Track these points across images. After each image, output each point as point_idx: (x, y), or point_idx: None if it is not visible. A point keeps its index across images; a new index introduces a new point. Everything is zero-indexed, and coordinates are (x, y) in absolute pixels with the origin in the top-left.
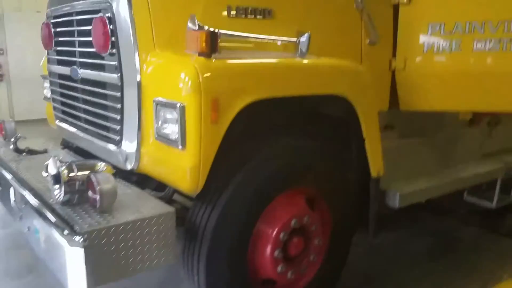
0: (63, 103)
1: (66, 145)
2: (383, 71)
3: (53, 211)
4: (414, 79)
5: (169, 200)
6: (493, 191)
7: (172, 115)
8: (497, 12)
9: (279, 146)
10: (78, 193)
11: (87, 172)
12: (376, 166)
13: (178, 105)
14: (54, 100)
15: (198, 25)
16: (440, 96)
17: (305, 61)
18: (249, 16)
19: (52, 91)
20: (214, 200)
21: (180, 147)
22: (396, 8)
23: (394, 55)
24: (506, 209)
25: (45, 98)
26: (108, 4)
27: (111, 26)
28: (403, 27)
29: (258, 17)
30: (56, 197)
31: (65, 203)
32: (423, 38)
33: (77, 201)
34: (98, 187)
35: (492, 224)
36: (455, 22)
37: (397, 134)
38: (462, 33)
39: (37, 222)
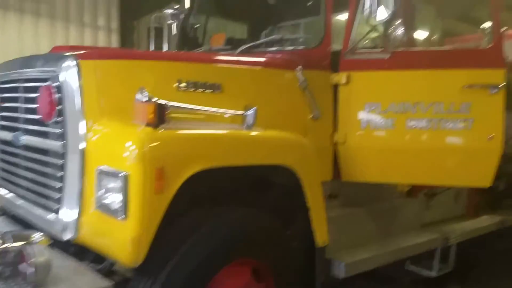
0: (3, 169)
1: (4, 212)
2: (326, 144)
3: None
4: (354, 152)
5: (108, 272)
6: (433, 260)
7: (115, 184)
8: (427, 96)
9: (225, 217)
10: (11, 266)
11: (21, 244)
12: (321, 235)
13: (121, 174)
14: None
15: (147, 96)
16: (377, 169)
17: (252, 132)
18: (199, 89)
19: None
20: (155, 273)
21: (121, 217)
22: (336, 87)
23: (336, 129)
24: (447, 277)
25: None
26: (56, 73)
27: (58, 95)
28: (343, 105)
29: (207, 91)
30: None
31: None
32: (360, 116)
33: (10, 274)
34: (32, 259)
35: None
36: (389, 103)
37: (341, 204)
38: (396, 113)
39: None
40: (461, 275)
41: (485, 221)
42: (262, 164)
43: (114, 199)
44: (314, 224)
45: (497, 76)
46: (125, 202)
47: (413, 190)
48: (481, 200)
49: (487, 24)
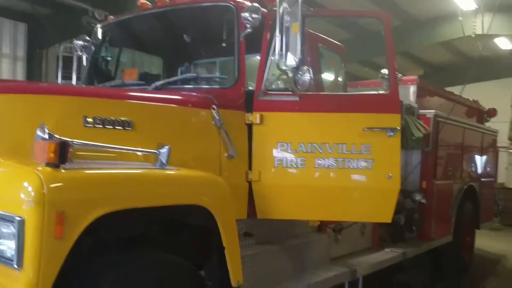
0: None
1: None
2: (241, 182)
3: None
4: (268, 190)
5: None
6: None
7: (9, 229)
8: (332, 137)
9: (134, 263)
10: None
11: None
12: (235, 275)
13: (16, 218)
14: None
15: (48, 134)
16: (290, 206)
17: (164, 171)
18: (107, 126)
19: None
20: None
21: (15, 266)
22: (250, 127)
23: (250, 168)
24: None
25: None
26: None
27: None
28: (256, 144)
29: (117, 127)
30: None
31: None
32: (273, 154)
33: None
34: None
35: None
36: (299, 143)
37: (256, 241)
38: (305, 152)
39: None
40: None
41: (388, 254)
42: (176, 204)
43: (8, 246)
44: (229, 264)
45: (394, 120)
46: (20, 249)
47: (323, 225)
48: (385, 233)
49: (385, 71)
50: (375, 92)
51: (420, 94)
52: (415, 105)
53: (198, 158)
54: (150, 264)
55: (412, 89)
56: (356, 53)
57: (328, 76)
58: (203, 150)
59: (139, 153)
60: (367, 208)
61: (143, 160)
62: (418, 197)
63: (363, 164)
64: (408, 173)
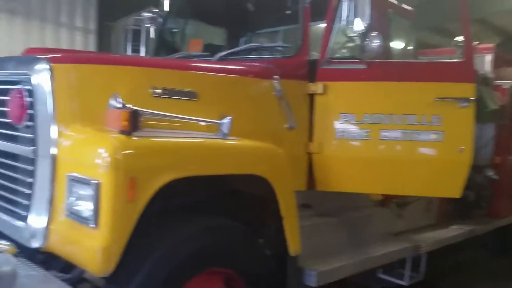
0: None
1: None
2: (301, 154)
3: None
4: (329, 162)
5: (77, 282)
6: (404, 269)
7: (86, 191)
8: (400, 107)
9: (197, 226)
10: None
11: None
12: (293, 244)
13: (93, 181)
14: None
15: (121, 103)
16: (351, 179)
17: (226, 142)
18: (174, 97)
19: None
20: (126, 282)
21: (92, 225)
22: (312, 97)
23: (311, 139)
24: (418, 286)
25: None
26: (28, 76)
27: (29, 98)
28: (318, 115)
29: (183, 98)
30: None
31: None
32: (335, 126)
33: None
34: None
35: None
36: (363, 113)
37: (314, 213)
38: (370, 123)
39: None
40: (432, 284)
41: (455, 231)
42: (236, 173)
43: (85, 207)
44: (287, 233)
45: (468, 90)
46: (96, 210)
47: (386, 200)
48: (452, 210)
49: (460, 38)
50: (448, 60)
51: (497, 63)
52: (491, 75)
53: (259, 128)
54: (211, 228)
55: (488, 58)
56: (428, 19)
57: (397, 44)
58: (263, 120)
59: (202, 123)
60: (435, 183)
61: (206, 130)
62: (490, 173)
63: (433, 136)
64: (480, 147)
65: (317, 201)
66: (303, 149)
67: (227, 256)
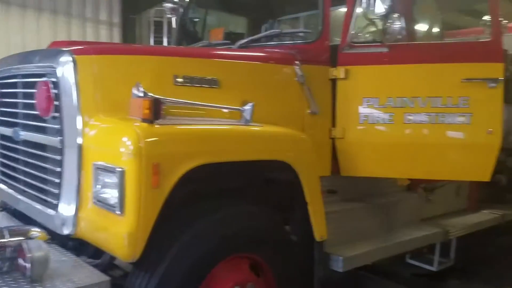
0: (3, 164)
1: (5, 207)
2: (324, 139)
3: None
4: (352, 147)
5: (107, 267)
6: (433, 255)
7: (111, 179)
8: (426, 90)
9: (222, 212)
10: (9, 261)
11: (19, 239)
12: (319, 230)
13: (117, 169)
14: None
15: (143, 92)
16: (376, 164)
17: (250, 128)
18: (195, 85)
19: None
20: (153, 267)
21: (118, 212)
22: (334, 82)
23: (334, 124)
24: (448, 272)
25: None
26: (53, 68)
27: (55, 90)
28: (341, 100)
29: (204, 86)
30: None
31: None
32: (359, 110)
33: (7, 269)
34: (29, 255)
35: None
36: (387, 97)
37: (340, 199)
38: (394, 107)
39: None
40: (462, 270)
41: (486, 216)
42: (260, 159)
43: (111, 194)
44: (313, 219)
45: (496, 70)
46: (122, 197)
47: (413, 184)
48: (483, 194)
49: (488, 17)
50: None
51: None
52: None
53: (281, 114)
54: (237, 213)
55: None
56: None
57: (422, 26)
58: (285, 106)
59: (225, 110)
60: (463, 166)
61: (228, 117)
62: None
63: (460, 118)
64: (510, 129)
65: (343, 187)
66: (326, 134)
67: (253, 242)
